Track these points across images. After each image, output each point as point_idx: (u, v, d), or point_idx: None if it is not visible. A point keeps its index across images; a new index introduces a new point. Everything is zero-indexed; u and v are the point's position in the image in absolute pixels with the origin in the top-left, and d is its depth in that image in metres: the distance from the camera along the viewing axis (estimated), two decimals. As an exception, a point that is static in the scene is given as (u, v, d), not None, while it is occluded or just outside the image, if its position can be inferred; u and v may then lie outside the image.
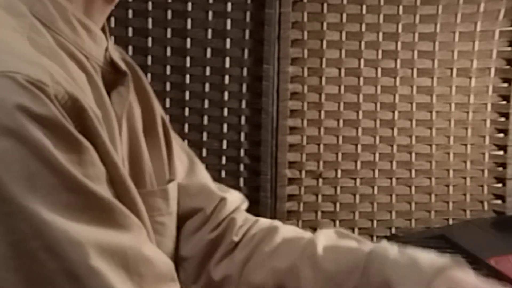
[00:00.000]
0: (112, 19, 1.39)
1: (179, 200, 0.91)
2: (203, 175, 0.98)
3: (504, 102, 1.49)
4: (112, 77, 0.79)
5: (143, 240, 0.68)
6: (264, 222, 0.97)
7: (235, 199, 0.99)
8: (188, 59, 1.41)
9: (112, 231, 0.63)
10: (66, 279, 0.59)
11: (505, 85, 1.49)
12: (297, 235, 0.95)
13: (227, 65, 1.42)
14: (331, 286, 0.87)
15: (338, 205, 1.47)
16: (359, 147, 1.47)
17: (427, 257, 0.85)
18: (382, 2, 1.44)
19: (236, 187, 1.43)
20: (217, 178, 1.43)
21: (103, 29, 0.80)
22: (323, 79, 1.44)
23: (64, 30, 0.72)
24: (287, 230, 0.96)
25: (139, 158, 0.83)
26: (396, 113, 1.47)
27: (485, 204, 1.51)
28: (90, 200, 0.62)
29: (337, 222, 1.47)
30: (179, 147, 0.96)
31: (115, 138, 0.75)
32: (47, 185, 0.59)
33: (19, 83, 0.59)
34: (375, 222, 1.48)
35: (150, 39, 1.40)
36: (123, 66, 0.82)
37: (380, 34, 1.45)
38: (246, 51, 1.42)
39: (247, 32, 1.42)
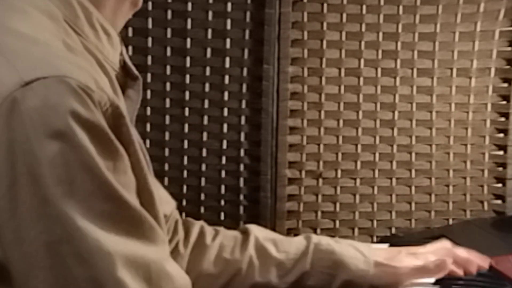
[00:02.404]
0: (112, 19, 1.39)
1: None
2: (157, 183, 1.05)
3: (504, 102, 1.49)
4: (124, 80, 0.81)
5: (166, 255, 0.70)
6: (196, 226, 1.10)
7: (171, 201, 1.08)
8: (188, 59, 1.41)
9: (139, 243, 0.65)
10: (91, 286, 0.61)
11: (505, 85, 1.49)
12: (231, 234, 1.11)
13: (227, 65, 1.42)
14: (282, 271, 1.06)
15: (338, 205, 1.47)
16: (359, 147, 1.47)
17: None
18: (382, 2, 1.43)
19: (236, 187, 1.44)
20: (217, 178, 1.44)
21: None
22: (323, 79, 1.44)
23: (89, 34, 0.74)
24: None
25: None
26: (396, 113, 1.47)
27: (485, 204, 1.51)
28: (123, 210, 0.64)
29: (337, 222, 1.47)
30: None
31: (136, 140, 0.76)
32: (85, 191, 0.61)
33: (73, 89, 0.61)
34: (375, 222, 1.48)
35: (150, 39, 1.40)
36: (134, 70, 0.83)
37: (380, 34, 1.45)
38: (246, 51, 1.42)
39: (247, 32, 1.42)
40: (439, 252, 1.12)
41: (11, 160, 0.60)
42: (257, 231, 1.10)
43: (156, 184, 0.99)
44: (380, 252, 1.10)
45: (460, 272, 1.11)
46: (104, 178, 0.62)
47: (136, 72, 0.83)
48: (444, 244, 1.15)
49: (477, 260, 1.13)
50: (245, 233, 1.10)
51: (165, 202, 1.03)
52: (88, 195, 0.61)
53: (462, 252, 1.13)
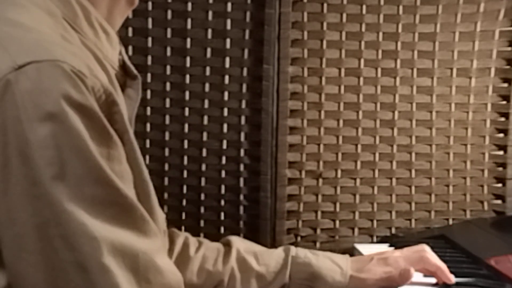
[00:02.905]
0: (112, 19, 1.39)
1: None
2: None
3: (504, 102, 1.49)
4: (123, 79, 0.81)
5: (157, 248, 0.69)
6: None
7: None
8: (188, 59, 1.41)
9: (128, 232, 0.64)
10: (76, 270, 0.61)
11: (505, 85, 1.49)
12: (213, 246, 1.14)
13: (227, 65, 1.42)
14: (262, 284, 1.07)
15: (338, 205, 1.47)
16: (359, 147, 1.47)
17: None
18: (382, 2, 1.43)
19: (236, 187, 1.44)
20: (217, 178, 1.44)
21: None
22: (323, 79, 1.44)
23: (88, 32, 0.75)
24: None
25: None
26: (396, 113, 1.47)
27: (485, 204, 1.51)
28: (114, 197, 0.64)
29: (337, 222, 1.47)
30: None
31: (132, 131, 0.77)
32: (75, 175, 0.61)
33: (66, 73, 0.62)
34: (375, 222, 1.48)
35: (150, 39, 1.40)
36: (133, 69, 0.83)
37: (380, 34, 1.45)
38: (246, 51, 1.42)
39: (247, 32, 1.42)
40: (410, 257, 1.12)
41: (4, 141, 0.61)
42: (239, 243, 1.12)
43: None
44: (353, 264, 1.12)
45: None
46: (95, 162, 0.62)
47: (135, 71, 0.83)
48: (419, 249, 1.15)
49: (446, 272, 1.12)
50: (228, 245, 1.12)
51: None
52: (78, 178, 0.62)
53: (434, 260, 1.12)
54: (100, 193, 0.63)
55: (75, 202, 0.61)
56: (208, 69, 1.42)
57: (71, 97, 0.61)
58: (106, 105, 0.65)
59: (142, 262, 0.65)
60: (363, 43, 1.44)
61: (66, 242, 0.61)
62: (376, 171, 1.48)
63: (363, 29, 1.44)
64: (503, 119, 1.49)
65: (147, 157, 1.42)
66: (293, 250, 1.12)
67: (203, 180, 1.44)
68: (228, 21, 1.41)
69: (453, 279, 1.11)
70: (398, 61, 1.46)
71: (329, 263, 1.10)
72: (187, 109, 1.43)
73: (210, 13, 1.40)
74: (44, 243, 0.61)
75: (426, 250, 1.14)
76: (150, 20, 1.40)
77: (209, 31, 1.41)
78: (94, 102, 0.63)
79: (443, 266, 1.12)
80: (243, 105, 1.43)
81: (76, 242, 0.61)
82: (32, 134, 0.60)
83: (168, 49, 1.41)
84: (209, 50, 1.41)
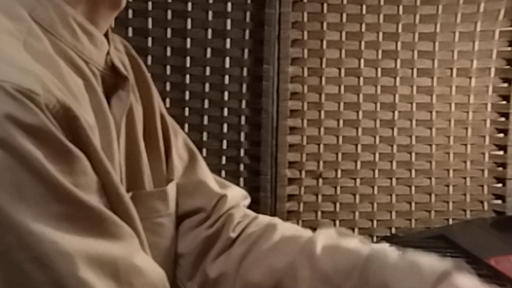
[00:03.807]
0: (112, 19, 1.38)
1: (178, 200, 0.90)
2: (203, 173, 0.96)
3: (504, 102, 1.49)
4: (113, 81, 0.78)
5: (134, 249, 0.67)
6: (263, 219, 0.95)
7: (236, 195, 0.97)
8: (188, 59, 1.41)
9: (102, 241, 0.62)
10: None
11: (505, 85, 1.49)
12: (296, 233, 0.93)
13: (227, 65, 1.42)
14: (327, 286, 0.85)
15: (338, 205, 1.47)
16: (359, 147, 1.47)
17: (428, 261, 0.83)
18: (382, 2, 1.44)
19: (236, 187, 1.44)
20: (217, 178, 1.44)
21: (106, 34, 0.79)
22: (323, 79, 1.44)
23: (64, 34, 0.71)
24: (286, 228, 0.93)
25: (137, 160, 0.82)
26: (396, 113, 1.47)
27: (485, 204, 1.51)
28: (80, 210, 0.61)
29: (337, 222, 1.47)
30: (182, 142, 0.95)
31: (113, 143, 0.74)
32: (35, 195, 0.58)
33: (8, 92, 0.58)
34: (375, 222, 1.48)
35: (150, 39, 1.40)
36: (123, 70, 0.81)
37: (380, 34, 1.45)
38: (246, 51, 1.42)
39: (247, 32, 1.42)
40: None
41: None
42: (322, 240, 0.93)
43: (202, 170, 0.94)
44: None
45: None
46: (53, 180, 0.59)
47: (124, 72, 0.81)
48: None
49: None
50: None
51: (201, 194, 0.94)
52: (39, 198, 0.58)
53: None
54: (65, 209, 0.60)
55: (41, 222, 0.58)
56: (208, 69, 1.42)
57: (17, 118, 0.57)
58: (65, 119, 0.62)
59: (122, 267, 0.63)
60: (363, 43, 1.44)
61: (37, 264, 0.58)
62: (376, 171, 1.48)
63: (363, 29, 1.44)
64: (503, 119, 1.49)
65: (147, 157, 1.42)
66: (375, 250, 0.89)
67: (203, 180, 1.44)
68: (228, 21, 1.41)
69: None
70: (398, 61, 1.46)
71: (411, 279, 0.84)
72: (187, 109, 1.43)
73: (210, 13, 1.40)
74: (10, 270, 0.57)
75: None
76: (150, 20, 1.40)
77: (209, 31, 1.41)
78: (49, 119, 0.59)
79: None
80: (243, 105, 1.43)
81: (50, 262, 0.58)
82: None
83: (168, 49, 1.41)
84: (209, 50, 1.42)
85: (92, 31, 0.75)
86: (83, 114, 0.65)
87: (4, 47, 0.63)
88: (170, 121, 0.93)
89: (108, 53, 0.78)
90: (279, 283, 0.87)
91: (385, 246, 0.92)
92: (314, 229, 1.47)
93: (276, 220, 0.95)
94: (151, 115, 0.88)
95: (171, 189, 0.87)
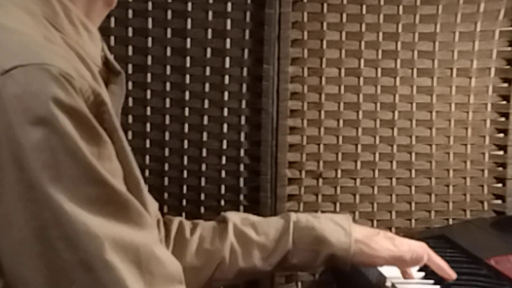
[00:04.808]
0: (112, 19, 1.39)
1: None
2: None
3: (504, 102, 1.49)
4: (106, 76, 0.81)
5: (155, 239, 0.70)
6: (174, 222, 1.10)
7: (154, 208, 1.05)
8: (188, 59, 1.41)
9: (127, 227, 0.65)
10: (80, 269, 0.62)
11: (505, 85, 1.49)
12: (209, 224, 1.11)
13: (227, 65, 1.42)
14: (265, 254, 1.06)
15: (338, 205, 1.47)
16: (359, 147, 1.47)
17: (327, 215, 1.14)
18: (382, 2, 1.43)
19: (236, 187, 1.44)
20: (217, 178, 1.44)
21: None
22: (323, 79, 1.44)
23: (69, 31, 0.74)
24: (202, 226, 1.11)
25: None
26: (396, 113, 1.47)
27: (485, 204, 1.51)
28: (109, 194, 0.64)
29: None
30: None
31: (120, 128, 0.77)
32: (71, 176, 0.62)
33: (54, 76, 0.61)
34: (375, 222, 1.48)
35: (150, 39, 1.40)
36: (116, 65, 0.83)
37: (380, 34, 1.45)
38: (246, 51, 1.42)
39: (247, 32, 1.42)
40: (414, 245, 1.12)
41: None
42: (234, 217, 1.11)
43: None
44: (358, 229, 1.11)
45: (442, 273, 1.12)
46: (89, 163, 0.63)
47: (118, 67, 0.83)
48: (422, 244, 1.14)
49: (446, 267, 1.12)
50: (223, 221, 1.10)
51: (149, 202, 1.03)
52: (74, 179, 0.62)
53: (437, 257, 1.13)
54: (96, 192, 0.63)
55: (74, 203, 0.61)
56: (208, 69, 1.42)
57: (60, 100, 0.61)
58: (95, 105, 0.66)
59: (144, 255, 0.66)
60: (363, 43, 1.44)
61: (68, 242, 0.61)
62: (376, 171, 1.48)
63: (363, 29, 1.44)
64: (503, 119, 1.49)
65: (147, 157, 1.43)
66: (294, 215, 1.10)
67: (203, 180, 1.44)
68: (228, 21, 1.41)
69: (454, 275, 1.11)
70: (398, 61, 1.46)
71: (331, 225, 1.08)
72: (187, 109, 1.43)
73: (210, 13, 1.40)
74: (44, 246, 0.61)
75: (428, 252, 1.13)
76: (150, 20, 1.40)
77: (209, 31, 1.41)
78: (83, 103, 0.63)
79: (444, 264, 1.12)
80: (243, 105, 1.43)
81: (79, 242, 0.61)
82: (24, 138, 0.60)
83: (168, 49, 1.41)
84: (209, 50, 1.41)
85: (90, 28, 0.78)
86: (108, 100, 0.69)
87: (35, 37, 0.67)
88: None
89: (102, 49, 0.81)
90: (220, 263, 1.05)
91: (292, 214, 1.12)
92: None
93: (181, 218, 1.11)
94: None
95: None
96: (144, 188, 0.74)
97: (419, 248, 1.11)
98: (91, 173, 0.63)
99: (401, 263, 1.10)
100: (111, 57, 0.84)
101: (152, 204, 1.05)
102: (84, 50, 0.75)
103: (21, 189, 0.61)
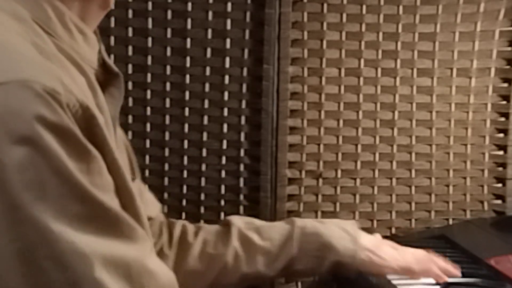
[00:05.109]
0: (112, 19, 1.39)
1: None
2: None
3: (504, 102, 1.49)
4: (104, 78, 0.79)
5: (147, 252, 0.69)
6: (176, 225, 1.09)
7: (154, 208, 1.05)
8: (188, 59, 1.41)
9: (117, 242, 0.64)
10: None
11: (505, 85, 1.49)
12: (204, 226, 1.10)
13: (227, 65, 1.42)
14: (268, 260, 1.04)
15: (338, 205, 1.47)
16: (359, 147, 1.47)
17: (334, 221, 1.11)
18: (382, 2, 1.43)
19: (236, 187, 1.44)
20: (217, 178, 1.44)
21: (95, 33, 0.80)
22: (323, 79, 1.44)
23: (62, 35, 0.72)
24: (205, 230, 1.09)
25: (123, 156, 0.84)
26: (396, 113, 1.47)
27: (485, 204, 1.51)
28: (97, 211, 0.63)
29: (337, 222, 1.47)
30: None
31: (111, 140, 0.75)
32: (56, 195, 0.60)
33: (37, 93, 0.59)
34: (375, 222, 1.48)
35: (150, 39, 1.40)
36: (114, 67, 0.82)
37: (380, 34, 1.45)
38: (246, 51, 1.42)
39: (247, 32, 1.42)
40: (418, 255, 1.11)
41: None
42: (238, 222, 1.08)
43: (141, 186, 0.98)
44: (365, 236, 1.09)
45: (445, 279, 1.11)
46: (75, 180, 0.61)
47: (116, 69, 0.82)
48: (428, 256, 1.12)
49: (452, 269, 1.12)
50: (227, 225, 1.08)
51: (150, 204, 1.01)
52: (60, 198, 0.60)
53: (441, 261, 1.12)
54: (83, 209, 0.61)
55: (61, 221, 0.60)
56: (208, 69, 1.42)
57: (44, 118, 0.59)
58: (84, 119, 0.64)
59: (135, 269, 0.64)
60: (363, 43, 1.44)
61: (56, 262, 0.60)
62: (376, 171, 1.48)
63: (363, 29, 1.44)
64: (503, 119, 1.49)
65: (147, 157, 1.43)
66: (299, 221, 1.08)
67: (203, 180, 1.44)
68: (228, 21, 1.41)
69: (459, 274, 1.11)
70: (398, 61, 1.46)
71: (338, 231, 1.06)
72: (187, 109, 1.43)
73: (210, 13, 1.40)
74: (30, 267, 0.59)
75: (434, 259, 1.11)
76: (150, 20, 1.40)
77: (209, 31, 1.41)
78: (70, 119, 0.61)
79: (449, 266, 1.11)
80: (243, 105, 1.43)
81: (67, 261, 0.60)
82: (7, 158, 0.58)
83: (168, 49, 1.41)
84: (209, 50, 1.41)
85: (85, 31, 0.76)
86: (97, 112, 0.67)
87: (19, 47, 0.65)
88: None
89: (99, 51, 0.79)
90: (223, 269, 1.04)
91: (297, 219, 1.09)
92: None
93: (184, 222, 1.09)
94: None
95: (136, 186, 0.89)
96: (137, 199, 0.73)
97: (424, 257, 1.10)
98: (77, 190, 0.61)
99: (410, 273, 1.09)
100: (108, 59, 0.82)
101: (154, 206, 1.04)
102: (79, 54, 0.73)
103: (4, 210, 0.58)
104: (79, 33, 0.75)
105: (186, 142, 1.44)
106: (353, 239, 1.06)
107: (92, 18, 0.78)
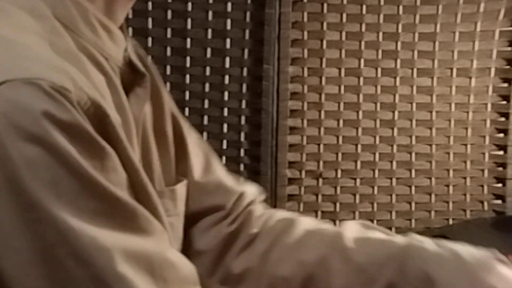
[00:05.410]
0: (112, 19, 1.39)
1: (196, 198, 0.91)
2: (219, 171, 0.97)
3: (504, 102, 1.49)
4: (130, 77, 0.79)
5: (166, 244, 0.68)
6: (282, 213, 0.97)
7: (252, 192, 0.99)
8: (188, 59, 1.41)
9: (137, 236, 0.63)
10: (93, 285, 0.59)
11: (505, 85, 1.49)
12: (320, 227, 0.93)
13: (227, 65, 1.42)
14: (363, 279, 0.85)
15: (338, 205, 1.47)
16: (359, 147, 1.47)
17: (467, 250, 0.86)
18: (382, 2, 1.44)
19: (236, 187, 1.44)
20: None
21: (121, 29, 0.78)
22: (323, 79, 1.44)
23: (85, 31, 0.71)
24: (307, 222, 0.94)
25: (149, 158, 0.82)
26: (396, 113, 1.47)
27: (485, 204, 1.51)
28: (114, 206, 0.62)
29: (337, 222, 1.47)
30: (195, 143, 0.95)
31: (133, 140, 0.75)
32: (72, 192, 0.59)
33: (44, 90, 0.59)
34: (375, 222, 1.48)
35: (150, 39, 1.40)
36: (141, 66, 0.81)
37: (380, 34, 1.45)
38: (246, 51, 1.42)
39: (247, 32, 1.42)
40: None
41: None
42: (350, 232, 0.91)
43: (217, 169, 0.95)
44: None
45: None
46: (89, 177, 0.60)
47: (142, 69, 0.81)
48: None
49: None
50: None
51: (221, 193, 0.94)
52: (76, 194, 0.59)
53: None
54: (101, 205, 0.61)
55: (79, 218, 0.59)
56: (208, 69, 1.42)
57: (53, 115, 0.58)
58: (96, 117, 0.63)
59: (156, 262, 0.64)
60: (363, 43, 1.44)
61: (78, 259, 0.59)
62: (376, 171, 1.48)
63: (363, 29, 1.44)
64: (503, 119, 1.49)
65: (147, 157, 1.43)
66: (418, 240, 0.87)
67: (203, 180, 1.44)
68: (228, 21, 1.41)
69: None
70: (398, 61, 1.46)
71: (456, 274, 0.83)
72: (187, 109, 1.43)
73: (210, 13, 1.41)
74: (51, 266, 0.59)
75: None
76: (150, 20, 1.40)
77: (209, 31, 1.41)
78: (82, 115, 0.60)
79: None
80: (243, 105, 1.43)
81: (89, 257, 0.59)
82: (18, 156, 0.57)
83: (168, 49, 1.41)
84: (209, 50, 1.42)
85: (110, 27, 0.75)
86: (112, 110, 0.66)
87: (34, 46, 0.64)
88: (183, 122, 0.94)
89: (125, 49, 0.78)
90: (310, 276, 0.88)
91: (418, 236, 0.88)
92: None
93: (294, 214, 0.97)
94: (160, 114, 0.88)
95: (180, 189, 0.88)
96: (154, 194, 0.72)
97: None
98: (93, 187, 0.60)
99: None
100: (134, 58, 0.81)
101: (226, 195, 0.95)
102: (103, 52, 0.72)
103: (20, 211, 0.57)
104: (104, 30, 0.74)
105: (186, 142, 1.44)
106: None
107: (118, 10, 0.77)
